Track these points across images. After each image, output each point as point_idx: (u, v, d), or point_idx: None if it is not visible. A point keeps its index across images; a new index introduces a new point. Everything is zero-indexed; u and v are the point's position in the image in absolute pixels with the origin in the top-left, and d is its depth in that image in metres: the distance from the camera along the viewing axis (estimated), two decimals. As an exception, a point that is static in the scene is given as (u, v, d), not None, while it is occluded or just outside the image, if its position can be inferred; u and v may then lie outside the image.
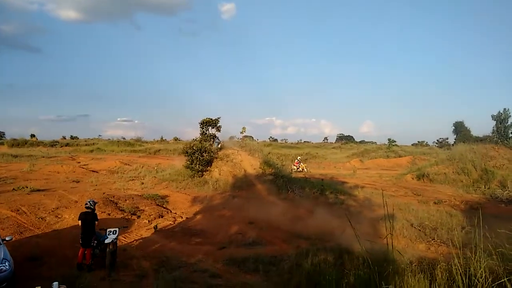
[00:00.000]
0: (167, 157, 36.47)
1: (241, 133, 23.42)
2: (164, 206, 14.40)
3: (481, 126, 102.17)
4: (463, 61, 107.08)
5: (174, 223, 12.37)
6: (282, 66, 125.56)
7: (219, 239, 10.61)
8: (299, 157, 33.18)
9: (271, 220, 12.70)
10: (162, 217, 12.88)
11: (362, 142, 76.59)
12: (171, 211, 13.79)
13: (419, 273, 4.77)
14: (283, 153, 40.55)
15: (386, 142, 51.76)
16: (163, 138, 68.04)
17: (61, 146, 50.10)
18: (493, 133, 24.70)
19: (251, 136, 43.89)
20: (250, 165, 19.71)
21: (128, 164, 27.42)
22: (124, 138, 60.56)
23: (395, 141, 51.24)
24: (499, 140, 23.74)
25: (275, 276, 7.26)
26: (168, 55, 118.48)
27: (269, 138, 77.25)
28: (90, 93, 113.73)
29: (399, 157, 40.63)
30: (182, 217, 13.08)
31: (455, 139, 42.60)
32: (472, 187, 20.16)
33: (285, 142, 73.09)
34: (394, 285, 4.38)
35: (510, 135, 23.85)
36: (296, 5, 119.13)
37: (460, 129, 43.03)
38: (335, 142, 77.29)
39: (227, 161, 19.82)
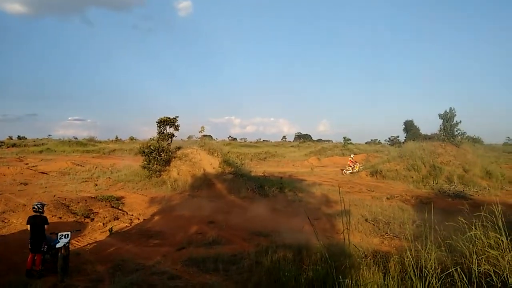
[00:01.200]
0: (122, 157, 35.38)
1: (200, 132, 23.15)
2: (119, 208, 13.93)
3: (429, 124, 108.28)
4: (412, 63, 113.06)
5: (130, 225, 12.00)
6: (241, 65, 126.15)
7: (178, 240, 10.41)
8: (352, 155, 29.69)
9: (231, 219, 12.69)
10: (117, 219, 12.44)
11: (319, 140, 78.50)
12: (127, 213, 13.37)
13: (373, 266, 4.98)
14: (243, 152, 40.74)
15: (342, 140, 53.49)
16: (118, 138, 66.10)
17: (7, 147, 47.38)
18: (440, 131, 25.99)
19: (210, 135, 43.66)
20: (210, 164, 19.55)
21: (81, 165, 26.34)
22: (76, 138, 58.18)
23: (350, 140, 53.18)
24: (446, 138, 25.09)
25: (235, 274, 7.23)
26: (123, 52, 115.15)
27: (228, 137, 77.37)
28: (39, 91, 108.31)
29: (354, 154, 42.05)
30: (139, 219, 12.72)
31: (405, 137, 44.62)
32: (421, 182, 21.20)
33: (244, 141, 73.41)
34: (350, 278, 4.51)
35: (456, 133, 25.26)
36: (254, 4, 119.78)
37: (410, 127, 45.15)
38: (293, 141, 78.59)
39: (186, 161, 19.54)
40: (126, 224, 11.98)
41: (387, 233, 10.64)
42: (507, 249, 3.95)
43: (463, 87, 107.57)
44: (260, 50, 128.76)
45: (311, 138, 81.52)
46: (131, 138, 63.05)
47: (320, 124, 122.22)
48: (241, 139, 77.19)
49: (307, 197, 16.23)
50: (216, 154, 20.77)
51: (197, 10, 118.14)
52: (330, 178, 24.08)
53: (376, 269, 4.85)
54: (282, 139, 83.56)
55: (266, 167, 30.07)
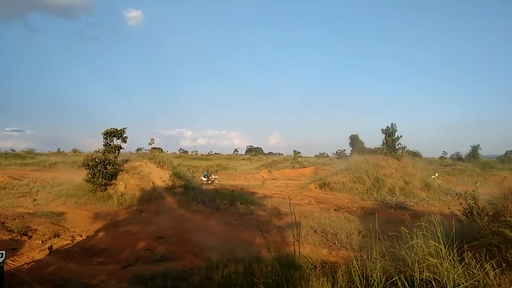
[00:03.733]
0: (64, 170, 33.53)
1: (149, 144, 22.47)
2: (60, 224, 13.09)
3: (373, 139, 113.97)
4: (358, 81, 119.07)
5: (72, 242, 11.29)
6: (192, 77, 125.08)
7: (124, 257, 9.95)
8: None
9: (181, 233, 12.37)
10: (58, 236, 11.66)
11: (270, 153, 79.38)
12: (69, 230, 12.57)
13: (322, 277, 5.06)
14: (194, 165, 40.20)
15: (292, 153, 54.54)
16: (60, 150, 62.42)
17: None
18: (382, 145, 27.47)
19: (160, 148, 42.61)
20: (159, 177, 19.03)
21: (18, 179, 24.61)
22: (13, 150, 53.94)
23: (300, 153, 54.36)
24: (388, 152, 26.53)
25: (185, 291, 7.04)
26: (67, 60, 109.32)
27: (179, 150, 75.66)
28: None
29: (304, 167, 43.19)
30: (82, 236, 12.01)
31: (351, 151, 46.39)
32: (366, 194, 22.11)
33: (196, 153, 72.28)
34: (300, 289, 4.55)
35: (397, 147, 26.82)
36: (205, 16, 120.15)
37: (355, 141, 46.99)
38: (245, 154, 78.73)
39: (133, 174, 18.84)
40: (68, 242, 11.26)
41: (335, 243, 10.90)
42: (446, 257, 4.19)
43: (404, 103, 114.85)
44: (211, 62, 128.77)
45: (262, 151, 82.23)
46: (75, 151, 59.72)
47: (272, 137, 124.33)
48: (192, 151, 76.00)
49: (259, 209, 16.27)
50: (166, 167, 20.29)
51: (147, 20, 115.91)
52: (280, 190, 24.39)
53: (325, 279, 4.95)
54: (233, 152, 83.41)
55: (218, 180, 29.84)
